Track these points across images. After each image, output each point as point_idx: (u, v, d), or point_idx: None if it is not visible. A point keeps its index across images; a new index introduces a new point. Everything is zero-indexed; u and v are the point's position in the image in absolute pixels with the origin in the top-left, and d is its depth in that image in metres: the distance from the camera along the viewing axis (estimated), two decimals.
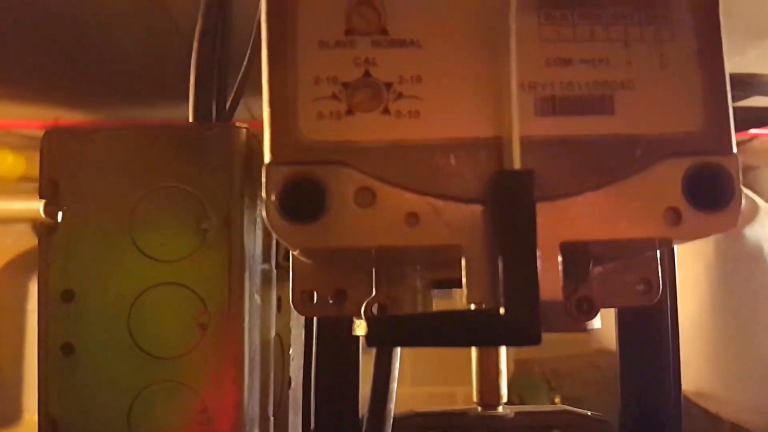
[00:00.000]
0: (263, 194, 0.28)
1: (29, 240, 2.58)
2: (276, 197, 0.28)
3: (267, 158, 0.29)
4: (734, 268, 1.52)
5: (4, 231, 2.81)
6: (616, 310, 0.43)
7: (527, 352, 2.26)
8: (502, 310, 0.28)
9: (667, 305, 0.43)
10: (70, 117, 2.34)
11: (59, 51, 1.85)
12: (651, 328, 0.43)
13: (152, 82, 2.09)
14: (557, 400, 1.79)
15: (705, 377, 1.50)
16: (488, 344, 0.40)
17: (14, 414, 2.05)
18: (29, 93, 2.14)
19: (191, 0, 0.50)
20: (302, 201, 0.28)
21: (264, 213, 0.28)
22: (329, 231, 0.28)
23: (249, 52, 0.50)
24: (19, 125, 2.36)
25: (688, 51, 0.30)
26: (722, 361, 1.52)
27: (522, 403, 1.68)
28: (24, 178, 2.56)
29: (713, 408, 1.51)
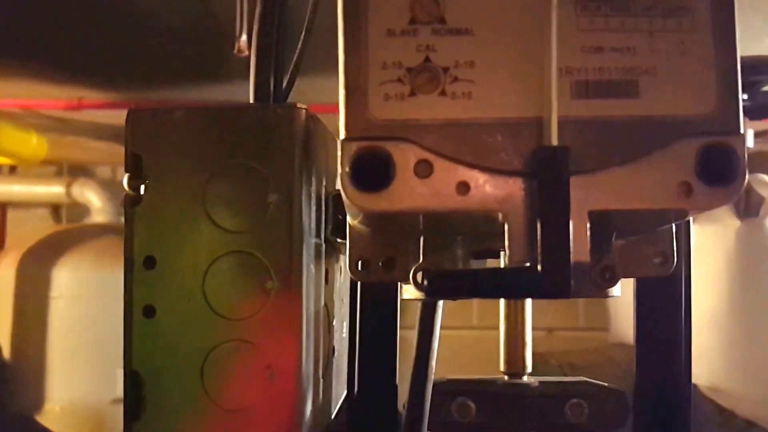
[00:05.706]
0: (338, 166, 0.35)
1: (49, 225, 2.68)
2: (349, 168, 0.35)
3: (342, 134, 0.36)
4: (755, 262, 1.56)
5: (25, 216, 2.90)
6: (635, 282, 0.48)
7: (543, 345, 2.31)
8: (539, 267, 0.35)
9: (681, 276, 0.48)
10: (93, 97, 2.43)
11: (84, 30, 1.93)
12: (667, 298, 0.48)
13: (175, 64, 2.17)
14: None
15: (720, 372, 1.53)
16: (525, 297, 0.46)
17: (36, 403, 2.10)
18: (54, 72, 2.21)
19: None
20: (371, 172, 0.35)
21: (338, 183, 0.35)
22: (393, 197, 0.35)
23: (303, 35, 0.57)
24: (43, 105, 2.45)
25: (705, 40, 0.36)
26: (738, 356, 1.55)
27: None
28: (46, 162, 2.63)
29: (727, 403, 1.55)
